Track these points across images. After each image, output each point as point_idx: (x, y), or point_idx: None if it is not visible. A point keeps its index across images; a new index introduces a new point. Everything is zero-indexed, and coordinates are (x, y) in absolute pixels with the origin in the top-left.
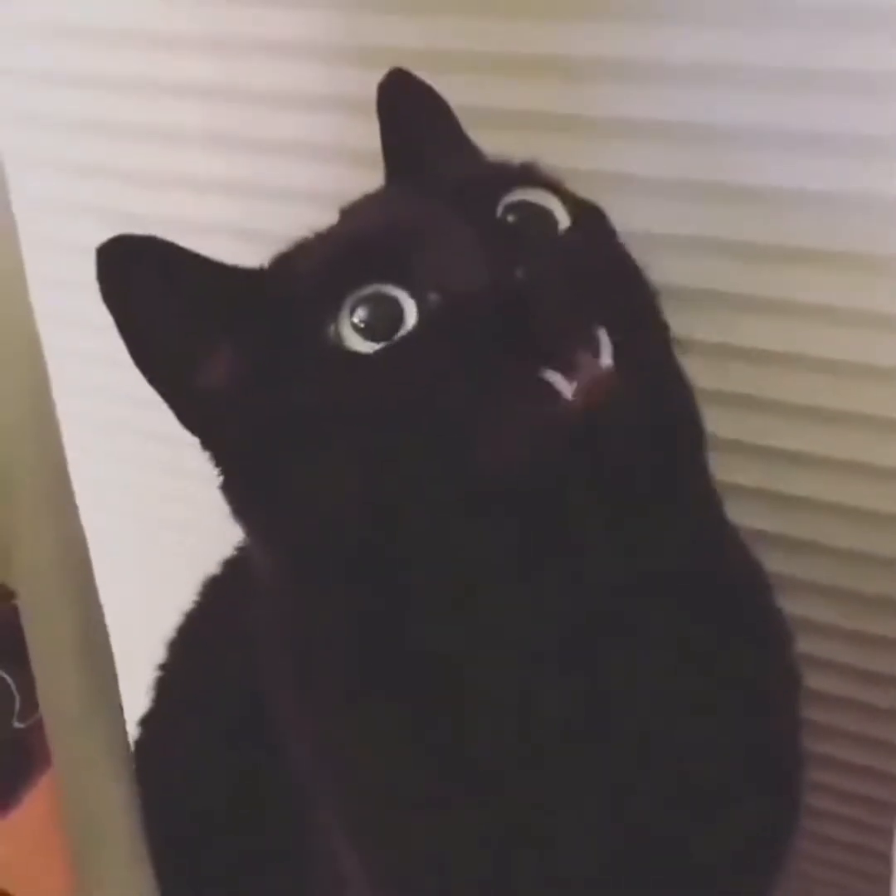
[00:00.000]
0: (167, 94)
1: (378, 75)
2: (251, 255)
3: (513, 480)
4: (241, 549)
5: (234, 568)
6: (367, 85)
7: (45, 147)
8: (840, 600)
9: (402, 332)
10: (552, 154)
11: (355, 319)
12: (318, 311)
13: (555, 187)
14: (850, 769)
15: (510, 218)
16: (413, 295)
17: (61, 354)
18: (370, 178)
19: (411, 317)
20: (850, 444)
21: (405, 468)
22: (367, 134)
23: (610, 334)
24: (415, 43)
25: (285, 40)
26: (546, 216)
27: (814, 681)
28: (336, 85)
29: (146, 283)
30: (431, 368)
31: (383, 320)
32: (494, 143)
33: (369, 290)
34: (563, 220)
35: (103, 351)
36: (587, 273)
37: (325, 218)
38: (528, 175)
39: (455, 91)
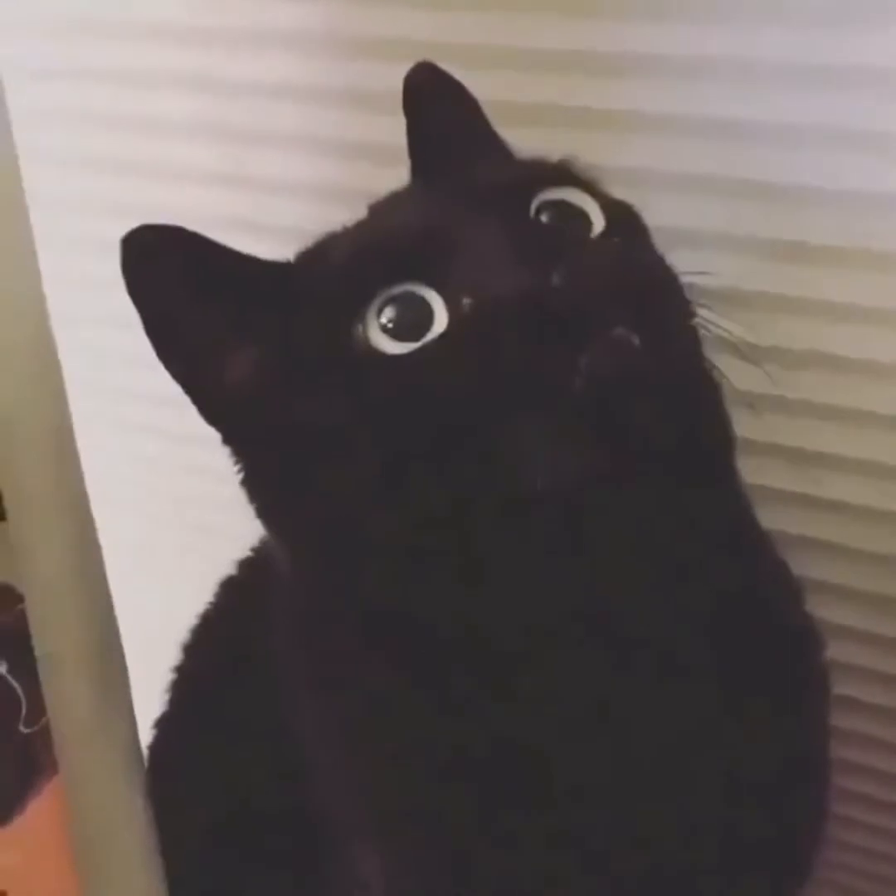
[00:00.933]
0: (173, 87)
1: (375, 67)
2: (254, 249)
3: (542, 484)
4: (256, 550)
5: (250, 569)
6: (379, 77)
7: (57, 143)
8: (870, 604)
9: (431, 334)
10: (578, 150)
11: (383, 319)
12: (346, 308)
13: (589, 186)
14: (879, 775)
15: (544, 217)
16: (444, 297)
17: (75, 353)
18: (382, 174)
19: (441, 319)
20: (883, 446)
21: (427, 470)
22: (381, 128)
23: (642, 338)
24: (420, 35)
25: (296, 31)
26: (580, 216)
27: (842, 686)
28: (346, 77)
29: (171, 274)
30: (461, 373)
31: (411, 321)
32: (519, 139)
33: (399, 289)
34: (598, 220)
35: (118, 349)
36: (622, 280)
37: (330, 212)
38: (563, 174)
39: (480, 86)
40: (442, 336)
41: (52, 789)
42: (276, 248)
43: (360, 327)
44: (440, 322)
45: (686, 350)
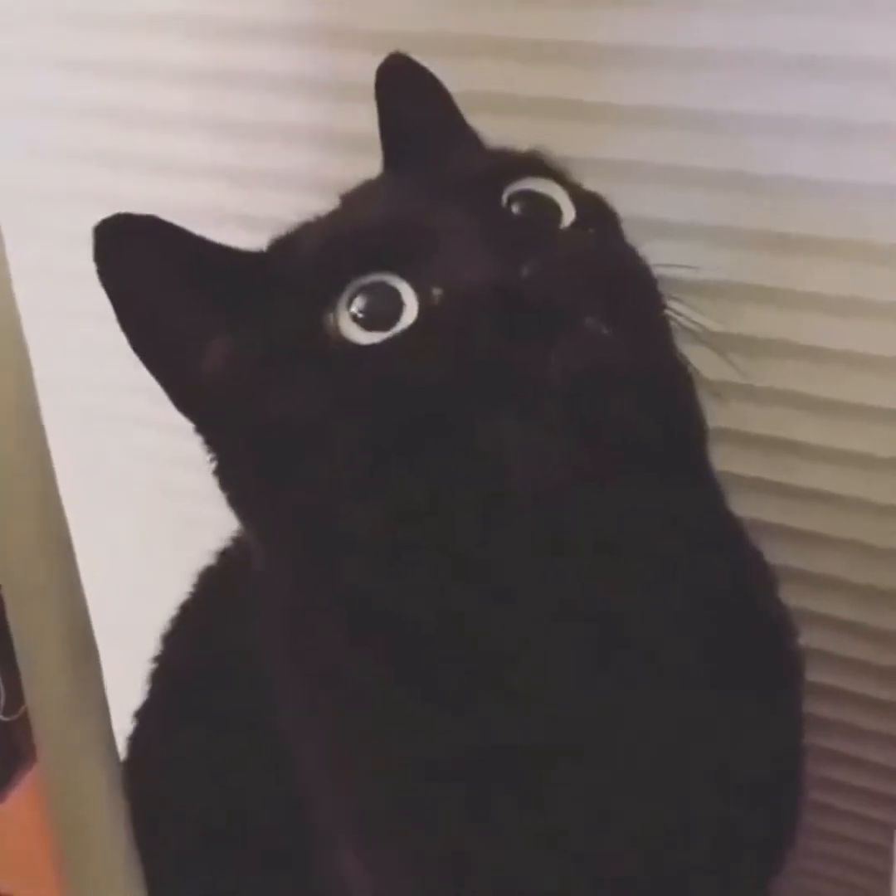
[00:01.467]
0: (154, 78)
1: (370, 59)
2: (243, 241)
3: (517, 476)
4: (235, 540)
5: (229, 559)
6: (368, 69)
7: (22, 134)
8: (842, 593)
9: (402, 324)
10: (555, 140)
11: (354, 309)
12: (317, 298)
13: (560, 177)
14: (853, 763)
15: (515, 207)
16: (415, 287)
17: (43, 344)
18: (359, 164)
19: (411, 310)
20: (854, 434)
21: (398, 461)
22: (368, 119)
23: (613, 329)
24: (410, 26)
25: (277, 24)
26: (551, 207)
27: (819, 674)
28: (328, 70)
29: (144, 263)
30: (431, 364)
31: (382, 311)
32: (495, 130)
33: (370, 279)
34: (568, 211)
35: (87, 340)
36: (593, 270)
37: (311, 204)
38: (534, 164)
39: (452, 76)
40: (412, 327)
41: (32, 778)
42: (263, 240)
43: (331, 317)
44: (411, 312)
45: (657, 340)
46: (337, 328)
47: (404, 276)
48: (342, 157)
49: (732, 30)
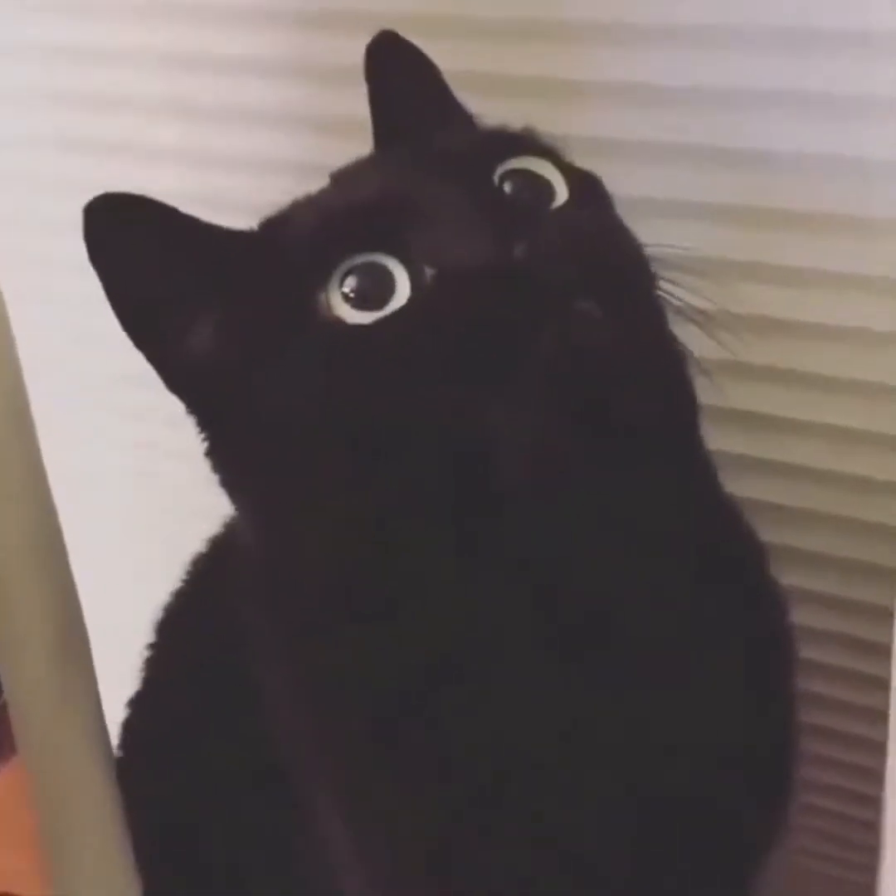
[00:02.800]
0: (135, 64)
1: (356, 41)
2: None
3: (509, 457)
4: (227, 527)
5: (222, 546)
6: (345, 51)
7: (16, 121)
8: (835, 569)
9: (394, 304)
10: (540, 119)
11: (346, 289)
12: (309, 277)
13: (552, 156)
14: (841, 738)
15: (507, 186)
16: (407, 267)
17: (30, 331)
18: (344, 147)
19: (404, 289)
20: (846, 410)
21: (390, 442)
22: (347, 101)
23: (606, 310)
24: (396, 7)
25: (261, 5)
26: (544, 185)
27: (809, 651)
28: (314, 52)
29: (134, 242)
30: (424, 345)
31: (374, 291)
32: (482, 109)
33: (362, 259)
34: (561, 189)
35: (74, 327)
36: (585, 251)
37: (300, 188)
38: (526, 142)
39: (441, 56)
40: (405, 307)
41: (12, 769)
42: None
43: (323, 296)
44: (403, 292)
45: (650, 320)
46: (329, 307)
47: (396, 255)
48: (331, 140)
49: (715, 4)
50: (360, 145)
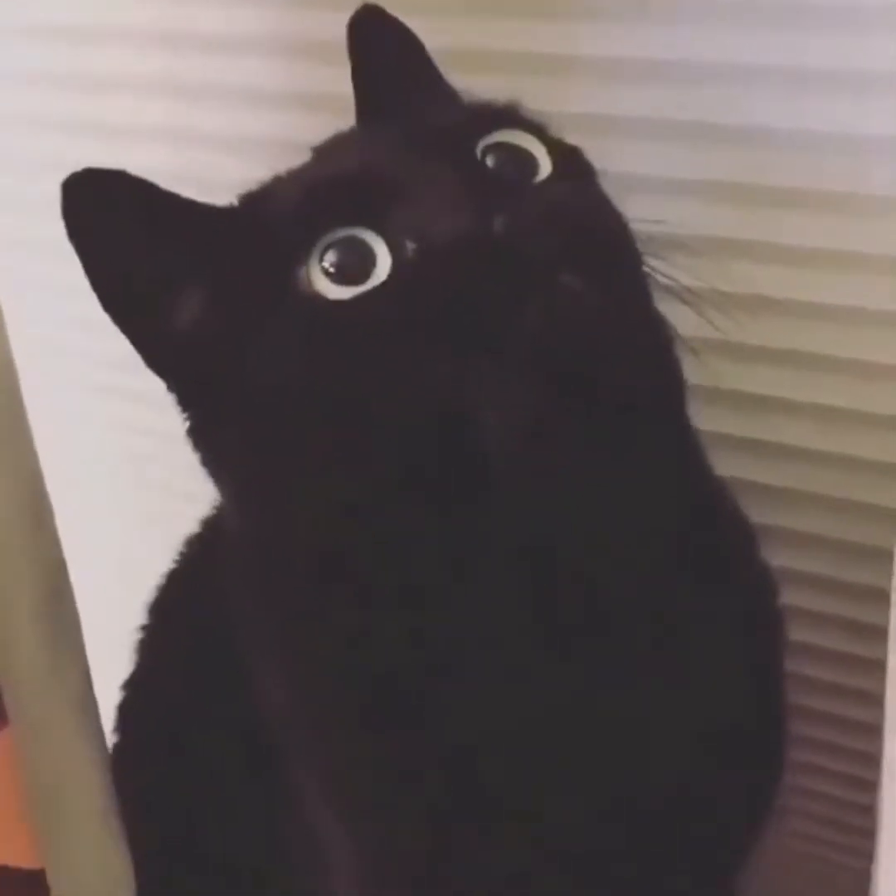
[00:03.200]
0: (120, 43)
1: (340, 17)
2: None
3: (486, 429)
4: (218, 507)
5: (214, 526)
6: (331, 27)
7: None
8: (827, 550)
9: (375, 279)
10: (527, 95)
11: (326, 264)
12: (289, 252)
13: (536, 129)
14: (836, 721)
15: (490, 160)
16: (387, 241)
17: (20, 314)
18: (330, 124)
19: (384, 264)
20: (836, 390)
21: (371, 419)
22: (331, 78)
23: (588, 284)
24: None
25: None
26: (527, 159)
27: (800, 633)
28: (291, 28)
29: (113, 218)
30: (405, 319)
31: (354, 266)
32: (467, 86)
33: (342, 233)
34: (545, 163)
35: (63, 310)
36: (567, 225)
37: (276, 164)
38: (510, 116)
39: (426, 32)
40: (385, 282)
41: (3, 742)
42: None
43: (303, 271)
44: (383, 266)
45: (634, 295)
46: (309, 283)
47: (377, 229)
48: (317, 117)
49: None
50: (347, 122)
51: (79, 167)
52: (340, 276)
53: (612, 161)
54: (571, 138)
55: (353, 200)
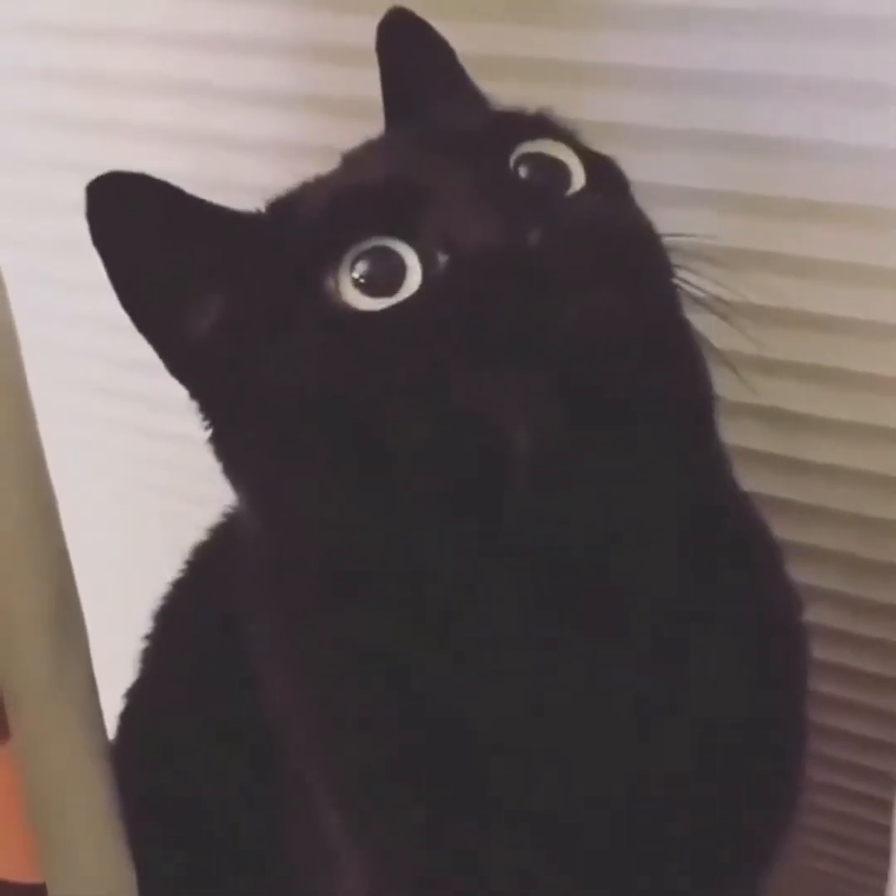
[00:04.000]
0: (136, 43)
1: (359, 20)
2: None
3: (515, 444)
4: (228, 515)
5: (222, 535)
6: (352, 31)
7: (11, 99)
8: (847, 567)
9: (405, 290)
10: (549, 103)
11: (356, 274)
12: (318, 261)
13: (569, 139)
14: (852, 740)
15: (522, 170)
16: (419, 253)
17: (28, 312)
18: (353, 127)
19: (415, 275)
20: (860, 406)
21: (400, 431)
22: (352, 82)
23: (621, 300)
24: None
25: None
26: (560, 170)
27: (822, 651)
28: (316, 31)
29: (138, 222)
30: (436, 331)
31: (385, 277)
32: (496, 92)
33: (372, 243)
34: (578, 174)
35: (72, 308)
36: (602, 239)
37: (299, 167)
38: (543, 125)
39: (451, 37)
40: (417, 293)
41: (5, 755)
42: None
43: (332, 282)
44: (414, 277)
45: (665, 310)
46: (338, 293)
47: (408, 240)
48: (340, 121)
49: None
50: (369, 126)
51: (96, 166)
52: (371, 286)
53: (629, 171)
54: (596, 146)
55: (384, 210)
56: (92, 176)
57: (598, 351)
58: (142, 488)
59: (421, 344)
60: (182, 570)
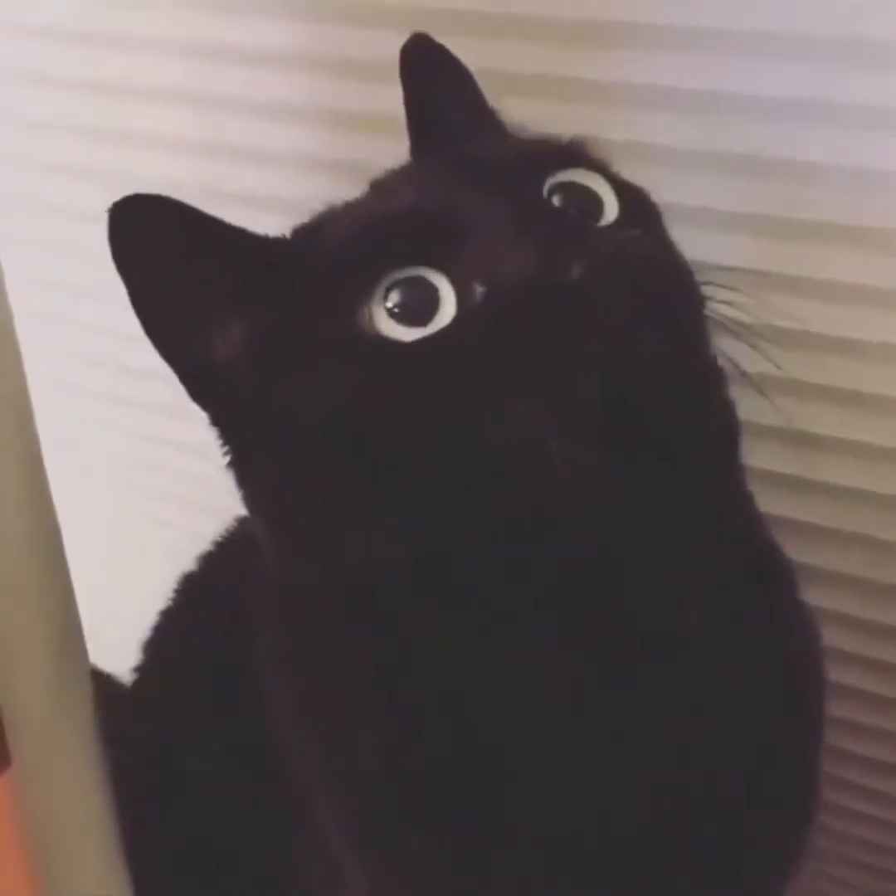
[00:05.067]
0: (155, 54)
1: (376, 35)
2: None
3: (555, 480)
4: (217, 545)
5: (211, 563)
6: (370, 46)
7: (30, 108)
8: (861, 590)
9: (439, 321)
10: (570, 122)
11: (389, 304)
12: (351, 290)
13: (603, 169)
14: (863, 761)
15: (556, 199)
16: (454, 283)
17: (33, 319)
18: (367, 143)
19: (449, 305)
20: (875, 428)
21: (433, 461)
22: (366, 97)
23: (659, 336)
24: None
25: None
26: (593, 200)
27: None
28: (325, 44)
29: (160, 245)
30: (473, 363)
31: (419, 307)
32: (509, 110)
33: (408, 273)
34: (611, 205)
35: (77, 314)
36: (639, 275)
37: (318, 183)
38: (576, 154)
39: (464, 54)
40: (453, 324)
41: (5, 783)
42: (263, 220)
43: (365, 311)
44: (448, 308)
45: (699, 344)
46: (371, 322)
47: (443, 269)
48: (353, 136)
49: (749, 11)
50: (387, 142)
51: (109, 175)
52: (404, 316)
53: (653, 191)
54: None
55: (419, 239)
56: (98, 182)
57: (635, 388)
58: (142, 496)
59: (458, 376)
60: (172, 599)
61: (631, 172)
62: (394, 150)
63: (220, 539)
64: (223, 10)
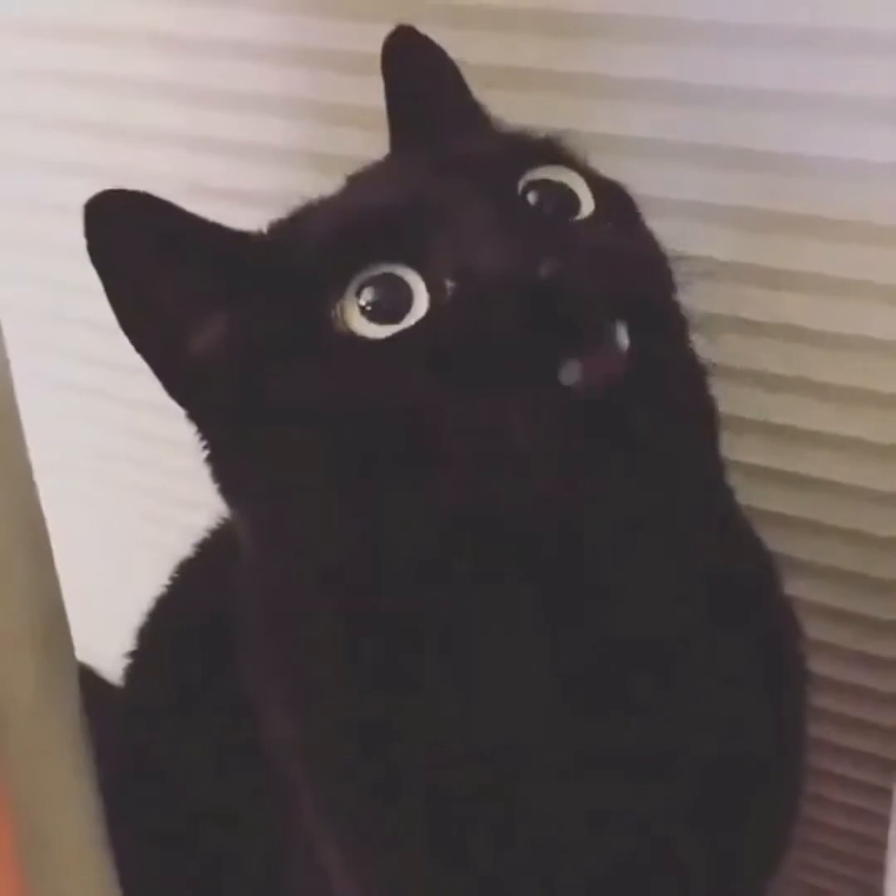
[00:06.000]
0: (141, 46)
1: (364, 27)
2: (221, 215)
3: (520, 477)
4: (213, 532)
5: (208, 550)
6: (356, 38)
7: (17, 101)
8: (846, 583)
9: (411, 317)
10: (552, 114)
11: (362, 301)
12: (323, 287)
13: (578, 165)
14: (850, 754)
15: (531, 196)
16: (426, 280)
17: (17, 315)
18: (350, 137)
19: (421, 302)
20: (859, 421)
21: (403, 460)
22: (353, 90)
23: (632, 333)
24: None
25: None
26: (568, 196)
27: (817, 665)
28: (320, 37)
29: (136, 240)
30: (443, 360)
31: (391, 304)
32: (495, 102)
33: (379, 270)
34: (587, 201)
35: (61, 309)
36: (613, 270)
37: (303, 177)
38: (552, 151)
39: (453, 47)
40: (423, 321)
41: None
42: (246, 213)
43: (337, 307)
44: (421, 305)
45: (676, 339)
46: (344, 320)
47: (416, 267)
48: (336, 129)
49: (731, 2)
50: (365, 133)
51: (91, 169)
52: (376, 314)
53: (632, 183)
54: (597, 159)
55: (391, 237)
56: (80, 176)
57: (608, 382)
58: (128, 490)
59: (427, 372)
60: (166, 586)
61: (614, 165)
62: (378, 144)
63: (216, 526)
64: (206, 3)
